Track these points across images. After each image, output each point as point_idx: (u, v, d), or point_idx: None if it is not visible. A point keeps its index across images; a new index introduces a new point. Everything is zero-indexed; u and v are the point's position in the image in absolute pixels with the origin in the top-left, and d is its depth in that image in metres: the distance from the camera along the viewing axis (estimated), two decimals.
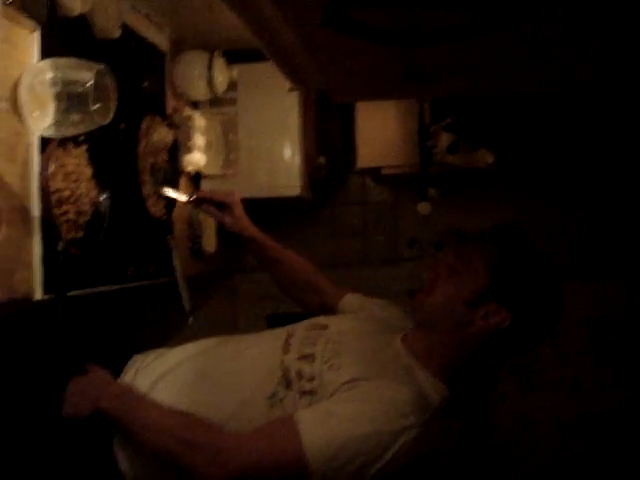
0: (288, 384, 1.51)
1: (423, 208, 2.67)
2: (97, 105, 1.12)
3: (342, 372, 1.49)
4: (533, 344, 1.60)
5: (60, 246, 1.56)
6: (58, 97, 1.11)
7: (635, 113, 2.89)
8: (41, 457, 1.64)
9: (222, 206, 1.90)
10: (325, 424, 1.39)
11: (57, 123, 1.12)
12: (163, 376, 1.66)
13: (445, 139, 2.52)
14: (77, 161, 1.59)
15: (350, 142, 2.95)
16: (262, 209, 3.03)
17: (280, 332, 1.69)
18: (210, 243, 2.58)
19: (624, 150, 3.01)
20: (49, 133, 1.14)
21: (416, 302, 1.61)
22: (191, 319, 2.16)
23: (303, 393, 1.49)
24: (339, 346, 1.58)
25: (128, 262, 1.98)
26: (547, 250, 1.63)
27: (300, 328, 1.69)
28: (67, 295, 1.59)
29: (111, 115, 1.17)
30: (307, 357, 1.55)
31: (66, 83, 1.11)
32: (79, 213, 1.62)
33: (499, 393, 3.11)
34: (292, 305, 2.91)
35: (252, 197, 2.58)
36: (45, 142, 1.54)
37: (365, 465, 1.38)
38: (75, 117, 1.11)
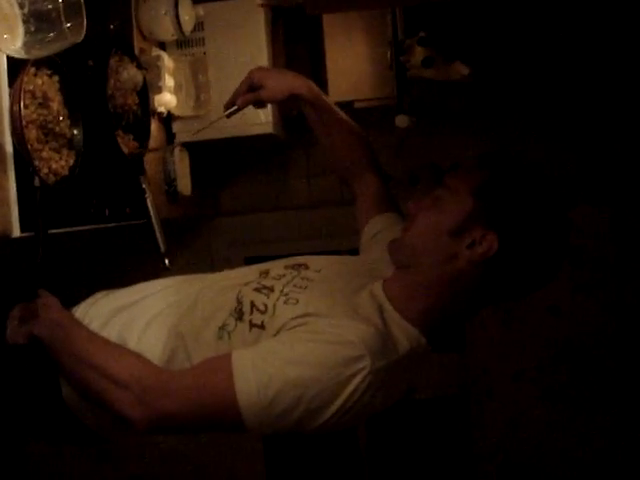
0: (240, 315, 1.36)
1: (401, 121, 2.61)
2: (69, 23, 1.09)
3: (297, 307, 1.34)
4: (531, 283, 1.39)
5: (36, 182, 1.54)
6: (27, 17, 1.08)
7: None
8: None
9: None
10: (261, 368, 1.25)
11: (28, 44, 1.09)
12: (126, 307, 1.49)
13: (419, 53, 2.49)
14: (48, 86, 1.56)
15: (321, 78, 2.91)
16: (235, 151, 3.04)
17: (257, 267, 1.52)
18: (185, 186, 2.56)
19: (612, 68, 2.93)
20: (20, 55, 1.11)
21: (396, 241, 1.44)
22: (167, 261, 2.14)
23: (252, 326, 1.34)
24: (305, 282, 1.42)
25: (104, 203, 1.97)
26: None
27: (278, 265, 1.50)
28: (47, 232, 1.57)
29: (83, 32, 1.14)
30: (265, 289, 1.40)
31: (33, 2, 1.08)
32: (53, 149, 1.59)
33: (478, 321, 3.14)
34: (273, 249, 2.89)
35: (224, 137, 2.60)
36: (13, 76, 1.51)
37: (308, 415, 1.24)
38: (47, 36, 1.08)
